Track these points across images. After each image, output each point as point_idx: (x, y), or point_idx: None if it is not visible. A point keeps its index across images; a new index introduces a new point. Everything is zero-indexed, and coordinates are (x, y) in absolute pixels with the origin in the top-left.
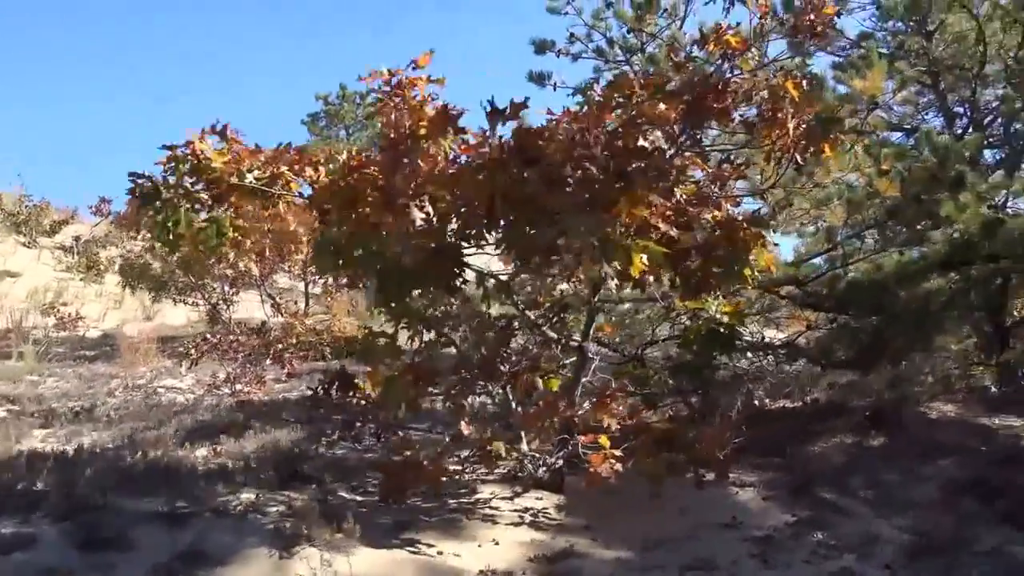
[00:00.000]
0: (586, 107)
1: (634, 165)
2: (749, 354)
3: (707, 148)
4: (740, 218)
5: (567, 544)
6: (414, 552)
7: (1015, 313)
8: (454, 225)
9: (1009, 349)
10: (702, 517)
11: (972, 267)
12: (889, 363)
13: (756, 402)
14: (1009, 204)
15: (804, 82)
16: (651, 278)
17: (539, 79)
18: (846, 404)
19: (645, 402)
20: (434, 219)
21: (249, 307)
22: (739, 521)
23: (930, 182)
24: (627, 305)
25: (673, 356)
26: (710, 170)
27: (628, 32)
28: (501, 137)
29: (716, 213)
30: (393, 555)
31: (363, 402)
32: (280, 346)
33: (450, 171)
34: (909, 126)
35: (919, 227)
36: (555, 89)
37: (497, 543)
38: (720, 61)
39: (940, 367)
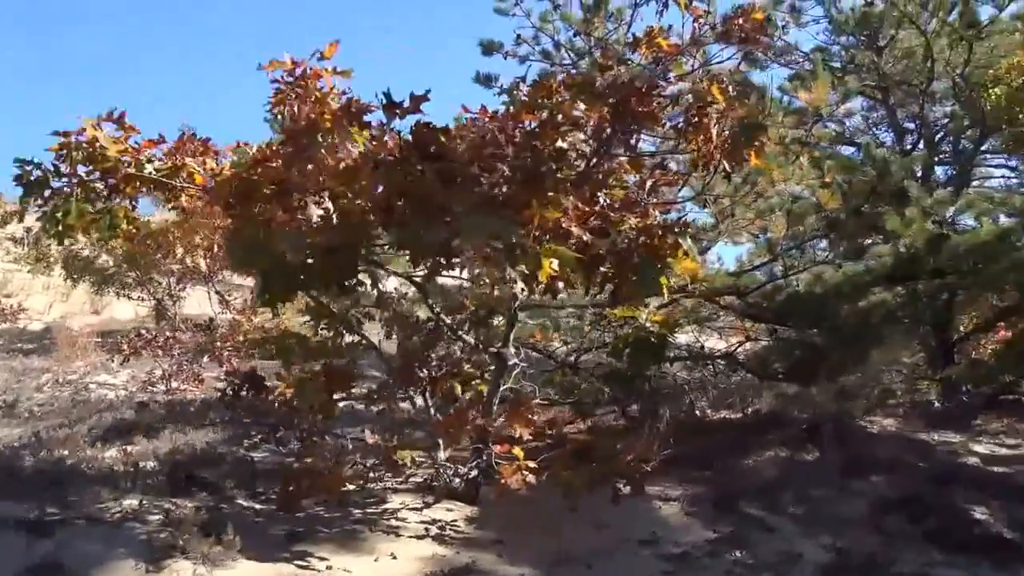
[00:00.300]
0: (511, 106)
1: (545, 167)
2: (689, 363)
3: (640, 154)
4: (656, 226)
5: (469, 560)
6: (302, 566)
7: (961, 329)
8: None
9: (954, 364)
10: (621, 532)
11: (918, 282)
12: (825, 377)
13: (698, 412)
14: (956, 220)
15: (731, 88)
16: (561, 284)
17: (486, 81)
18: (786, 416)
19: (577, 411)
20: (334, 216)
21: (201, 303)
22: (658, 537)
23: (870, 195)
24: (567, 311)
25: (604, 364)
26: (639, 176)
27: (575, 35)
28: (399, 132)
29: (637, 220)
30: (277, 569)
31: (279, 405)
32: (219, 343)
33: (343, 166)
34: (860, 140)
35: (865, 241)
36: (501, 91)
37: (395, 557)
38: (653, 65)
39: (884, 381)
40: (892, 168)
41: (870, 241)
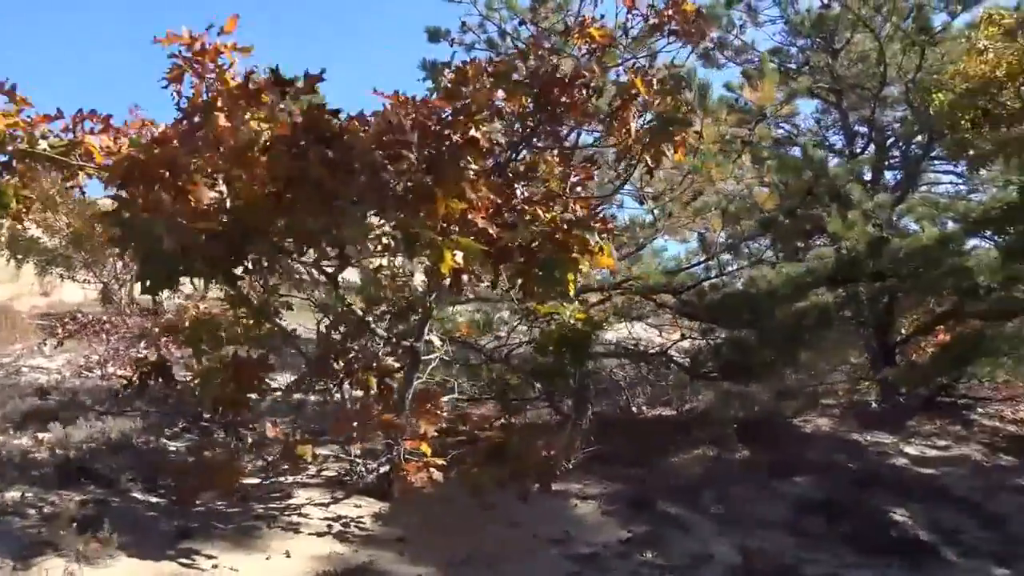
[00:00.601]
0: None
1: (449, 156)
2: (625, 360)
3: (568, 147)
4: (563, 220)
5: (367, 559)
6: (186, 564)
7: (902, 332)
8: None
9: (894, 366)
10: (533, 531)
11: (859, 284)
12: (756, 377)
13: (634, 409)
14: (903, 224)
15: (656, 81)
16: (467, 277)
17: (431, 68)
18: (719, 415)
19: (505, 407)
20: (227, 200)
21: None
22: (570, 536)
23: (806, 196)
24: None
25: (529, 360)
26: (560, 169)
27: (520, 24)
28: (291, 113)
29: (552, 214)
30: (158, 568)
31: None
32: (156, 329)
33: (231, 146)
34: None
35: (801, 242)
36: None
37: (289, 556)
38: (588, 55)
39: (823, 382)
40: (829, 169)
41: (813, 242)
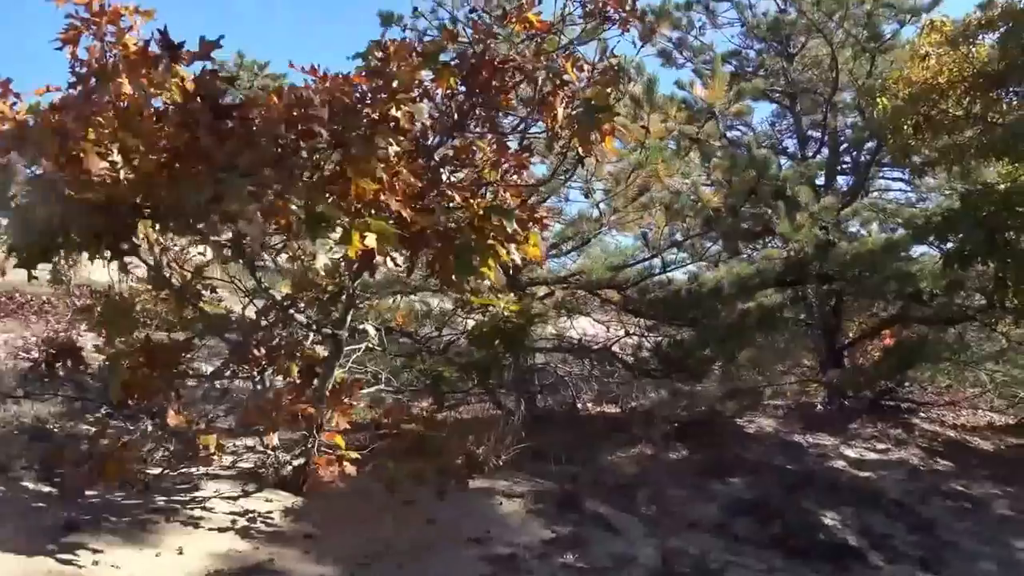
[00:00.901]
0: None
1: (359, 133)
2: (569, 356)
3: (502, 132)
4: (481, 206)
5: (267, 557)
6: (64, 561)
7: (850, 334)
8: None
9: (841, 369)
10: (452, 529)
11: (807, 286)
12: (696, 376)
13: (579, 405)
14: (855, 229)
15: (590, 69)
16: (381, 260)
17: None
18: (662, 413)
19: (436, 400)
20: (122, 171)
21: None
22: (490, 535)
23: (749, 195)
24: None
25: (464, 353)
26: (494, 156)
27: (472, 12)
28: (183, 79)
29: (477, 201)
30: (32, 564)
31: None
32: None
33: (121, 113)
34: (768, 144)
35: (758, 243)
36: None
37: (182, 552)
38: (528, 41)
39: (770, 382)
40: (772, 169)
41: (763, 243)
